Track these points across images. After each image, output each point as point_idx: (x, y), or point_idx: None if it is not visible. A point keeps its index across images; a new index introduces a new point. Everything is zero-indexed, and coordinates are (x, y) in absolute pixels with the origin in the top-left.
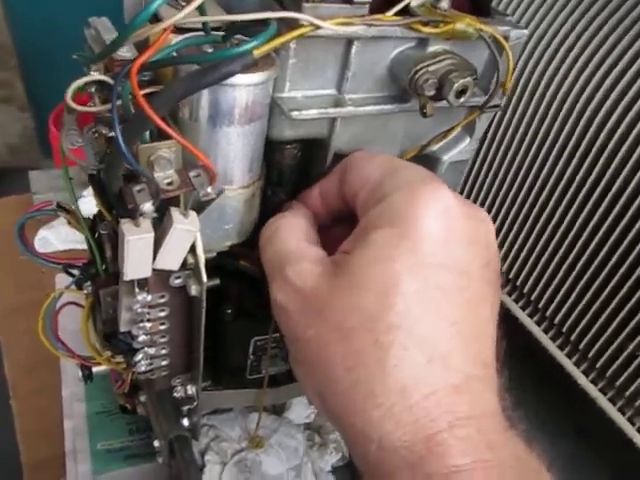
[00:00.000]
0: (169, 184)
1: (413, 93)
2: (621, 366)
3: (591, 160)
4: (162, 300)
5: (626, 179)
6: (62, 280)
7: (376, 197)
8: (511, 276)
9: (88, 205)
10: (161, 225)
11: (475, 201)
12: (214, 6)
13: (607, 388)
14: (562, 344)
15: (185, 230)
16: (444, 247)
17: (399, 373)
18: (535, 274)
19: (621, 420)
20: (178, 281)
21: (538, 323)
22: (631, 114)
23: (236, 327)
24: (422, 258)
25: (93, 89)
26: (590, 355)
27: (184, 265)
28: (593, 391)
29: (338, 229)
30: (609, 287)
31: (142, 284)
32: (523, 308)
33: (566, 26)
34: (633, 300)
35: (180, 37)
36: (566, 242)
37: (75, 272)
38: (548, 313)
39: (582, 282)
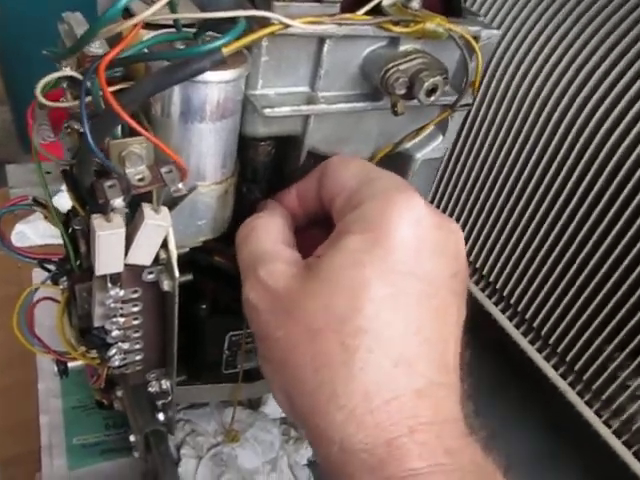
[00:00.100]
0: (140, 180)
1: (384, 91)
2: (589, 359)
3: (562, 154)
4: (135, 295)
5: (596, 179)
6: (39, 275)
7: (352, 204)
8: (484, 272)
9: (65, 200)
10: (133, 220)
11: (450, 196)
12: (188, 4)
13: (575, 382)
14: (533, 339)
15: (156, 225)
16: (415, 256)
17: (364, 376)
18: (507, 271)
19: (589, 414)
20: (151, 276)
21: (510, 318)
22: (613, 116)
23: (211, 323)
24: (392, 265)
25: (65, 85)
26: (559, 350)
27: (156, 260)
28: (562, 384)
29: (314, 232)
30: (578, 282)
31: (115, 279)
32: (496, 304)
33: (551, 26)
34: (601, 295)
35: (152, 33)
36: (537, 239)
37: (51, 267)
38: (520, 308)
39: (553, 277)
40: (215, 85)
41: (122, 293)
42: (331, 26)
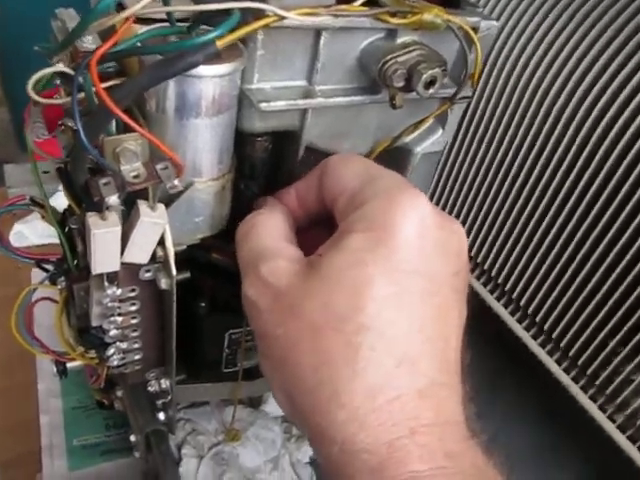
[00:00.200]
0: (135, 177)
1: (382, 84)
2: (593, 353)
3: (564, 146)
4: (132, 294)
5: (598, 171)
6: (38, 275)
7: (354, 204)
8: (486, 267)
9: (63, 199)
10: (129, 218)
11: (451, 191)
12: None
13: (578, 376)
14: (536, 334)
15: (152, 223)
16: (418, 254)
17: (366, 375)
18: (509, 265)
19: (592, 408)
20: (148, 274)
21: (512, 313)
22: (614, 107)
23: (210, 321)
24: (396, 264)
25: (59, 81)
26: (562, 344)
27: (153, 258)
28: (565, 379)
29: (314, 232)
30: (580, 276)
31: (112, 278)
32: (498, 299)
33: (548, 20)
34: (604, 288)
35: (145, 28)
36: (539, 233)
37: (49, 267)
38: (522, 303)
39: (555, 272)
40: (210, 79)
41: (119, 292)
42: (327, 18)
